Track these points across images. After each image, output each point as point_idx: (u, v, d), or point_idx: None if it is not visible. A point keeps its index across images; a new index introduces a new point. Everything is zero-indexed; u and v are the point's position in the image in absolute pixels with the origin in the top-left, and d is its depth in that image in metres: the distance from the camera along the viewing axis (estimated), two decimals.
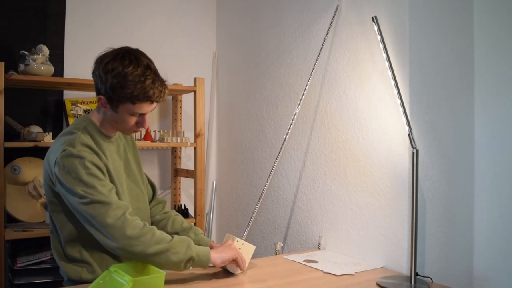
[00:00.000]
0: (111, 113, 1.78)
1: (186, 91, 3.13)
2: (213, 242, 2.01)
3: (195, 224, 3.06)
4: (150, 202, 2.11)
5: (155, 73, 1.76)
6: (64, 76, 2.90)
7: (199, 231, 2.07)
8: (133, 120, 1.79)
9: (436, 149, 2.09)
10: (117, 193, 1.76)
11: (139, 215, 1.88)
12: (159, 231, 1.71)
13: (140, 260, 1.67)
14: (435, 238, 2.08)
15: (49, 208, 1.80)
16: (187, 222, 2.12)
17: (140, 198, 1.96)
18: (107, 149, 1.83)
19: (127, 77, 1.69)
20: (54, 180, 1.71)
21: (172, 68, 3.36)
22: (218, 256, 1.80)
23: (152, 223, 2.07)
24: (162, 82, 1.78)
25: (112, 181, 1.77)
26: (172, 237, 1.72)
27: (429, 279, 1.90)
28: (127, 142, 2.02)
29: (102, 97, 1.75)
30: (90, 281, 1.69)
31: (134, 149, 2.05)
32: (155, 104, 1.79)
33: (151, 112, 3.28)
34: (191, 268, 1.77)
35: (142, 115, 1.79)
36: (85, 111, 2.83)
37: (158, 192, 2.19)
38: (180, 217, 2.13)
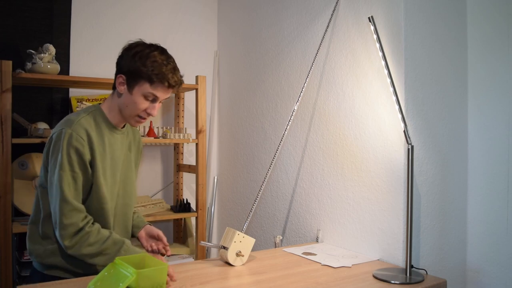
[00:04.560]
0: (125, 95, 1.81)
1: (188, 89, 3.12)
2: (149, 225, 2.06)
3: (197, 217, 3.06)
4: None
5: (174, 60, 1.83)
6: (70, 74, 2.89)
7: (140, 214, 2.13)
8: (145, 104, 1.80)
9: (430, 145, 2.09)
10: (100, 182, 1.79)
11: (127, 211, 1.96)
12: (97, 232, 1.74)
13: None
14: (430, 232, 2.08)
15: (38, 190, 1.82)
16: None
17: (131, 195, 1.98)
18: (108, 137, 1.84)
19: (151, 58, 1.76)
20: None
21: None
22: None
23: None
24: (180, 74, 1.84)
25: (95, 170, 1.78)
26: (108, 238, 1.75)
27: (424, 271, 1.90)
28: (134, 142, 2.03)
29: (121, 75, 1.79)
30: (56, 264, 1.77)
31: (138, 151, 2.06)
32: (170, 91, 1.82)
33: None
34: None
35: (154, 101, 1.82)
36: None
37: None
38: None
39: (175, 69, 1.80)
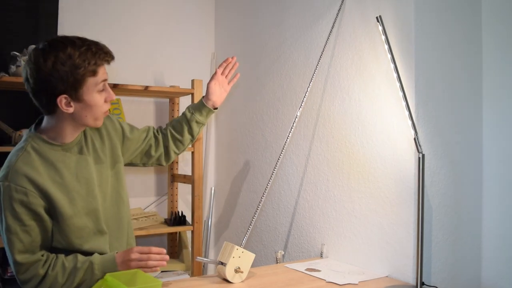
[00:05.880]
0: (77, 109, 1.69)
1: (184, 93, 3.13)
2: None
3: (192, 231, 3.06)
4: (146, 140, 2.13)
5: (89, 39, 1.72)
6: None
7: (194, 110, 2.16)
8: (102, 97, 1.71)
9: (443, 153, 2.09)
10: (68, 214, 1.72)
11: (117, 223, 1.90)
12: (62, 269, 1.69)
13: None
14: (442, 246, 2.08)
15: None
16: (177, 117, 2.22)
17: (118, 204, 1.92)
18: (62, 160, 1.75)
19: (74, 55, 1.63)
20: None
21: (169, 70, 3.37)
22: (125, 270, 1.74)
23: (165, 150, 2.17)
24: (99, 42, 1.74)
25: (58, 207, 1.70)
26: (75, 268, 1.70)
27: None
28: (102, 140, 1.92)
29: (62, 96, 1.64)
30: None
31: (111, 144, 1.95)
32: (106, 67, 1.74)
33: (147, 114, 3.31)
34: None
35: (105, 87, 1.72)
36: None
37: (149, 133, 2.16)
38: (170, 125, 2.20)
39: (95, 43, 1.70)
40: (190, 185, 3.12)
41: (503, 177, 2.14)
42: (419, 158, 1.87)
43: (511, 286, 2.09)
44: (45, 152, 1.72)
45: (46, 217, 1.69)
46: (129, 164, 2.11)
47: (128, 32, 3.20)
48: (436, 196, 2.07)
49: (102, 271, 1.70)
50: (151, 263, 1.72)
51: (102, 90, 1.72)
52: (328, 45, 2.42)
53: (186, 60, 3.45)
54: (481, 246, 2.21)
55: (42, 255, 1.70)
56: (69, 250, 1.75)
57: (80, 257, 1.73)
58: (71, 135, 1.77)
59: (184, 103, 3.33)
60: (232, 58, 2.21)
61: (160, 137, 2.16)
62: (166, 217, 3.31)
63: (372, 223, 2.19)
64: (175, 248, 3.32)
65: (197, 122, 2.15)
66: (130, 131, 2.05)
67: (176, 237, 3.32)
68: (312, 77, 2.42)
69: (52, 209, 1.69)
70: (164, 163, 2.20)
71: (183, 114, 2.16)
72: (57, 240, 1.73)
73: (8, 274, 2.53)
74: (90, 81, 1.67)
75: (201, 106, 2.15)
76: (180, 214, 3.10)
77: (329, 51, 2.44)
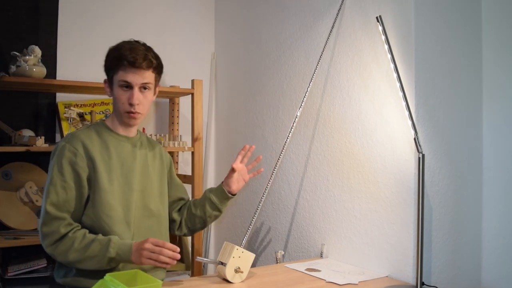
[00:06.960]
0: (113, 97, 1.97)
1: (184, 93, 3.13)
2: (223, 185, 2.20)
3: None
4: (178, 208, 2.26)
5: (144, 44, 1.98)
6: (57, 78, 2.90)
7: (212, 189, 2.23)
8: (123, 95, 1.92)
9: (443, 153, 2.09)
10: (104, 187, 1.88)
11: (151, 223, 2.02)
12: (82, 237, 1.81)
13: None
14: (442, 246, 2.08)
15: None
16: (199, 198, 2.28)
17: (155, 216, 2.04)
18: (115, 146, 1.97)
19: (114, 53, 1.94)
20: None
21: (169, 70, 3.34)
22: (136, 260, 1.80)
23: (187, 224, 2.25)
24: (150, 51, 1.98)
25: (98, 177, 1.88)
26: (93, 240, 1.81)
27: None
28: (154, 154, 2.12)
29: (106, 79, 2.00)
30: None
31: (161, 163, 2.15)
32: (139, 72, 1.91)
33: (147, 114, 3.30)
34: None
35: (130, 88, 1.92)
36: (79, 114, 2.84)
37: (186, 195, 2.31)
38: (192, 201, 2.27)
39: (138, 47, 1.94)
40: (190, 185, 3.12)
41: (503, 177, 2.14)
42: (419, 158, 1.88)
43: (511, 286, 2.10)
44: (104, 134, 1.98)
45: (85, 184, 1.88)
46: None
47: (128, 32, 3.17)
48: (436, 196, 2.07)
49: (116, 252, 1.79)
50: (162, 258, 1.76)
51: (126, 89, 1.92)
52: (328, 45, 2.42)
53: (186, 60, 3.44)
54: (481, 246, 2.21)
55: (70, 219, 1.85)
56: (96, 228, 1.87)
57: (102, 235, 1.85)
58: (122, 127, 2.02)
59: (184, 103, 3.33)
60: (251, 147, 2.23)
61: (183, 206, 2.27)
62: None
63: (372, 223, 2.19)
64: None
65: (211, 201, 2.18)
66: (174, 172, 2.25)
67: (176, 237, 3.31)
68: (312, 77, 2.43)
69: (92, 177, 1.89)
70: (176, 231, 2.26)
71: (204, 193, 2.25)
72: (88, 215, 1.87)
73: (8, 274, 2.53)
74: (115, 75, 1.93)
75: (218, 189, 2.21)
76: None
77: (329, 51, 2.44)
